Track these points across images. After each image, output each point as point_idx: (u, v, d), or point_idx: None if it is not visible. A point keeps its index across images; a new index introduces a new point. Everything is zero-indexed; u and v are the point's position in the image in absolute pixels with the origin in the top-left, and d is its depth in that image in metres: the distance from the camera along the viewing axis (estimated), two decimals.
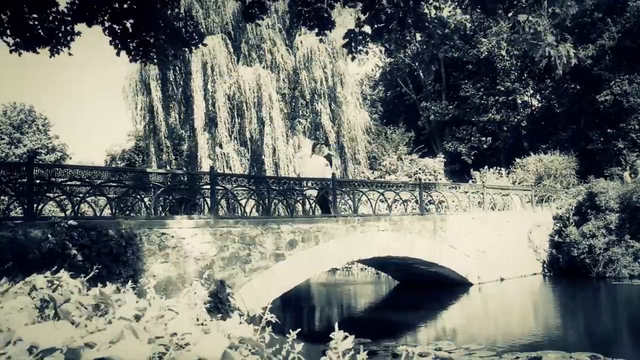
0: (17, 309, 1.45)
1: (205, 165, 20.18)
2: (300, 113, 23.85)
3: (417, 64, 33.18)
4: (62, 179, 8.19)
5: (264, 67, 21.88)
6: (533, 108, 32.54)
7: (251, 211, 11.76)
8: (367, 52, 7.72)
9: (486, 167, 22.78)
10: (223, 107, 21.16)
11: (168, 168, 21.43)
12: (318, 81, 22.47)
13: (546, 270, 16.34)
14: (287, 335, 1.79)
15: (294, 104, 23.78)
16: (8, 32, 6.72)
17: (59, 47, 7.02)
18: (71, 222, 6.98)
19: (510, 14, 6.69)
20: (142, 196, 10.03)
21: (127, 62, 7.84)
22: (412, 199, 14.07)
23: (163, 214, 10.50)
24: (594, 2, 24.56)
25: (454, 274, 13.74)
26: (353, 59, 7.96)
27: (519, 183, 21.36)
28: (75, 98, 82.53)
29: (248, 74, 21.28)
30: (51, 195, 8.71)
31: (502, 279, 14.98)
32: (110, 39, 7.16)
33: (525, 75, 29.06)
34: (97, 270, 2.96)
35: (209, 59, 20.90)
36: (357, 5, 7.52)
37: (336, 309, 14.01)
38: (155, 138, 23.17)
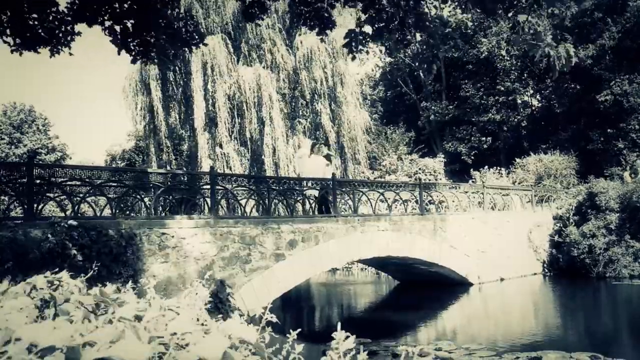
0: (17, 309, 1.45)
1: (205, 165, 20.18)
2: (300, 113, 23.85)
3: (417, 64, 33.22)
4: (62, 179, 8.19)
5: (264, 67, 21.88)
6: (533, 108, 32.54)
7: (251, 211, 11.76)
8: (367, 52, 7.72)
9: (486, 167, 22.78)
10: (223, 107, 21.16)
11: (168, 168, 21.43)
12: (318, 81, 22.47)
13: (546, 270, 16.34)
14: (287, 335, 1.79)
15: (294, 104, 23.78)
16: (8, 32, 6.72)
17: (60, 47, 7.02)
18: (71, 222, 6.98)
19: (510, 14, 6.69)
20: (142, 196, 10.03)
21: (127, 62, 7.83)
22: (412, 199, 14.07)
23: (163, 214, 10.50)
24: (594, 2, 24.57)
25: (454, 274, 13.74)
26: (353, 58, 7.96)
27: (519, 183, 21.36)
28: (75, 98, 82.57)
29: (248, 74, 21.28)
30: (51, 195, 8.72)
31: (502, 279, 14.98)
32: (111, 38, 7.16)
33: (525, 75, 29.06)
34: (97, 270, 2.96)
35: (209, 59, 20.90)
36: (357, 5, 7.52)
37: (336, 309, 14.01)
38: (156, 138, 23.17)
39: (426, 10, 7.54)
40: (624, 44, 24.00)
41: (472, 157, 28.73)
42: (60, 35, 6.96)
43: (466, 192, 15.61)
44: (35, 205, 7.53)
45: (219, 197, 10.51)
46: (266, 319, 1.92)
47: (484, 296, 13.63)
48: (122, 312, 1.60)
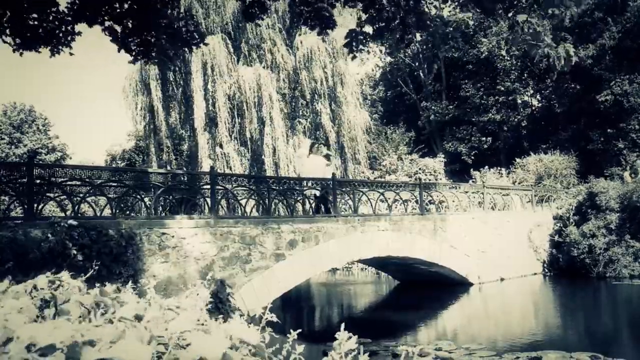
0: (17, 309, 1.45)
1: (205, 165, 20.18)
2: (301, 113, 23.85)
3: (417, 64, 33.25)
4: (62, 179, 8.19)
5: (264, 67, 21.87)
6: (533, 108, 32.53)
7: (251, 211, 11.76)
8: (368, 52, 7.75)
9: (486, 167, 22.79)
10: (223, 107, 21.16)
11: (168, 168, 21.43)
12: (318, 81, 22.47)
13: (546, 270, 16.34)
14: (288, 335, 1.79)
15: (294, 104, 23.78)
16: (7, 31, 6.73)
17: (60, 47, 7.03)
18: (71, 221, 6.98)
19: (510, 14, 6.69)
20: (142, 196, 10.03)
21: (127, 62, 7.82)
22: (412, 198, 14.07)
23: (163, 214, 10.51)
24: (594, 2, 24.55)
25: (454, 274, 13.75)
26: (354, 58, 7.96)
27: (519, 183, 21.36)
28: (75, 98, 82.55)
29: (248, 73, 21.28)
30: (51, 195, 8.72)
31: (502, 279, 14.98)
32: (111, 38, 7.16)
33: (525, 75, 29.06)
34: (97, 270, 2.97)
35: (209, 59, 20.90)
36: (358, 4, 7.52)
37: (336, 309, 14.01)
38: (156, 138, 23.17)
39: (426, 9, 7.53)
40: (624, 44, 23.99)
41: (472, 157, 28.73)
42: (61, 35, 6.97)
43: (466, 192, 15.61)
44: (35, 205, 7.53)
45: (219, 197, 10.51)
46: (266, 319, 1.92)
47: (484, 296, 13.63)
48: (122, 312, 1.60)
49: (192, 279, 8.16)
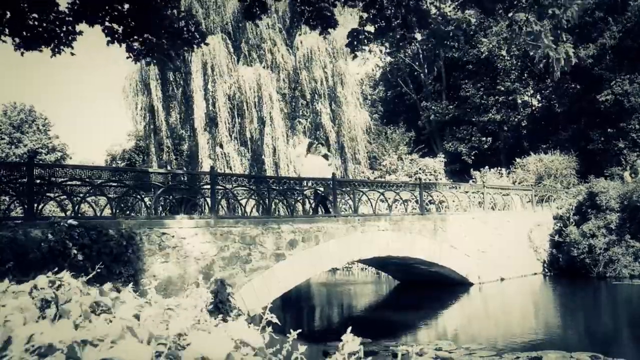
0: (18, 309, 1.45)
1: (205, 165, 20.18)
2: (301, 113, 23.85)
3: (417, 64, 33.24)
4: (62, 179, 8.20)
5: (264, 67, 21.87)
6: (533, 108, 32.53)
7: (251, 211, 11.76)
8: (370, 51, 7.78)
9: (486, 167, 22.79)
10: (223, 107, 21.16)
11: (168, 168, 21.43)
12: (318, 81, 22.47)
13: (546, 270, 16.33)
14: (287, 335, 1.79)
15: (294, 103, 23.78)
16: (7, 31, 6.73)
17: (61, 47, 7.03)
18: (71, 221, 6.98)
19: (510, 14, 6.69)
20: (143, 196, 10.04)
21: (127, 62, 7.84)
22: (413, 198, 14.07)
23: (163, 214, 10.51)
24: (595, 1, 24.54)
25: (455, 274, 13.74)
26: (355, 57, 7.97)
27: (519, 183, 21.36)
28: (75, 98, 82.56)
29: (248, 73, 21.28)
30: (51, 195, 8.73)
31: (502, 279, 14.98)
32: (109, 39, 7.16)
33: (525, 75, 29.06)
34: (97, 270, 2.96)
35: (209, 59, 20.90)
36: (358, 4, 7.53)
37: (336, 309, 14.01)
38: (156, 138, 23.18)
39: (427, 8, 7.54)
40: (624, 44, 23.98)
41: (473, 157, 28.73)
42: (62, 35, 6.97)
43: (466, 192, 15.61)
44: (35, 205, 7.53)
45: (219, 197, 10.51)
46: (266, 318, 1.93)
47: (484, 296, 13.63)
48: (123, 312, 1.60)
49: (192, 279, 8.16)
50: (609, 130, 24.00)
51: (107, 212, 9.46)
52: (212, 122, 21.71)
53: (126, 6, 7.08)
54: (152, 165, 22.26)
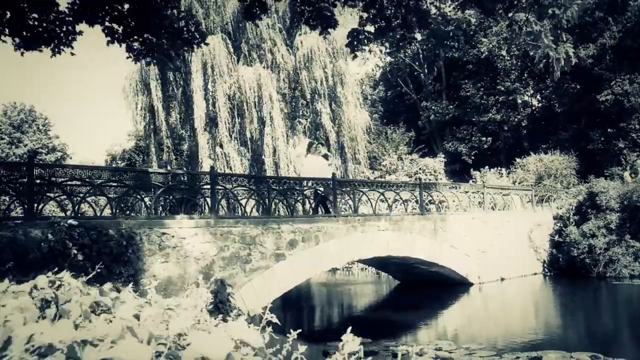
0: (18, 309, 1.45)
1: (205, 165, 20.18)
2: (301, 113, 23.85)
3: (417, 64, 33.24)
4: (62, 179, 8.20)
5: (264, 67, 21.87)
6: (533, 108, 32.53)
7: (251, 211, 11.75)
8: (370, 51, 7.79)
9: (486, 167, 22.79)
10: (223, 107, 21.16)
11: (168, 168, 21.42)
12: (318, 81, 22.47)
13: (546, 270, 16.33)
14: (287, 335, 1.79)
15: (294, 103, 23.78)
16: (7, 31, 6.73)
17: (61, 46, 7.03)
18: (71, 221, 6.98)
19: (510, 14, 6.69)
20: (143, 196, 10.04)
21: (127, 62, 7.85)
22: (413, 198, 14.07)
23: (163, 214, 10.51)
24: (595, 1, 24.54)
25: (455, 274, 13.74)
26: (355, 57, 7.97)
27: (519, 183, 21.36)
28: (75, 98, 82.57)
29: (248, 73, 21.27)
30: (51, 195, 8.73)
31: (502, 279, 14.98)
32: (109, 39, 7.16)
33: (525, 75, 29.06)
34: (97, 270, 2.96)
35: (209, 59, 20.89)
36: (358, 4, 7.53)
37: (336, 309, 14.01)
38: (156, 138, 23.18)
39: (427, 8, 7.54)
40: (624, 44, 23.98)
41: (473, 157, 28.73)
42: (62, 35, 6.97)
43: (466, 192, 15.61)
44: (35, 205, 7.53)
45: (219, 197, 10.51)
46: (266, 318, 1.93)
47: (484, 296, 13.63)
48: (123, 312, 1.60)
49: (192, 279, 8.16)
50: (609, 130, 24.00)
51: (107, 212, 9.46)
52: (212, 122, 21.71)
53: (126, 6, 7.08)
54: (152, 165, 22.26)
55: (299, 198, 11.63)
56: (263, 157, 21.39)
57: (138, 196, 10.30)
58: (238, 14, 21.25)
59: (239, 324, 1.58)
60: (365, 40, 7.55)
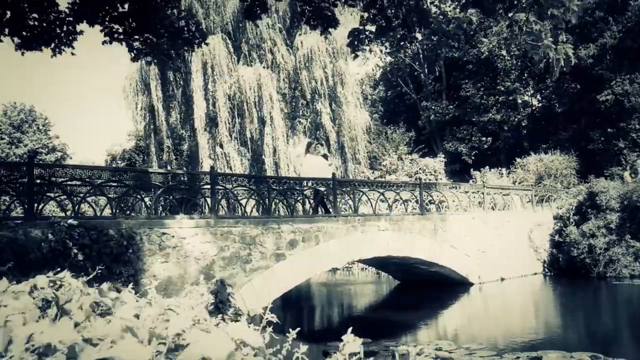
0: (19, 309, 1.45)
1: (205, 165, 20.19)
2: (301, 113, 23.85)
3: (417, 63, 33.24)
4: (62, 179, 8.20)
5: (264, 67, 21.88)
6: (533, 108, 32.52)
7: (251, 211, 11.75)
8: (370, 51, 7.80)
9: (487, 167, 22.79)
10: (223, 107, 21.16)
11: (168, 168, 21.42)
12: (318, 81, 22.47)
13: (547, 270, 16.33)
14: (287, 335, 1.79)
15: (294, 103, 23.78)
16: (7, 31, 6.73)
17: (62, 46, 7.03)
18: (71, 221, 6.98)
19: (510, 14, 6.69)
20: (143, 196, 10.04)
21: (127, 62, 7.85)
22: (413, 198, 14.07)
23: (163, 214, 10.51)
24: (595, 1, 24.53)
25: (455, 274, 13.74)
26: (356, 57, 7.97)
27: (519, 183, 21.36)
28: (75, 98, 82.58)
29: (248, 73, 21.28)
30: (52, 195, 8.73)
31: (502, 279, 14.98)
32: (107, 38, 7.16)
33: (525, 75, 29.05)
34: (98, 270, 2.96)
35: (209, 59, 20.90)
36: (358, 4, 7.53)
37: (336, 309, 14.01)
38: (156, 138, 23.18)
39: (427, 8, 7.55)
40: (625, 44, 23.97)
41: (473, 157, 28.72)
42: (62, 35, 6.97)
43: (466, 192, 15.61)
44: (35, 205, 7.53)
45: (220, 197, 10.51)
46: (266, 318, 1.93)
47: (484, 296, 13.63)
48: (123, 312, 1.60)
49: (193, 279, 8.17)
50: (609, 130, 24.00)
51: (107, 212, 9.46)
52: (212, 122, 21.72)
53: (126, 6, 7.08)
54: (152, 165, 22.26)
55: (299, 198, 11.63)
56: (263, 157, 21.40)
57: (138, 196, 10.30)
58: (238, 13, 21.25)
59: (239, 324, 1.58)
60: (366, 40, 7.56)
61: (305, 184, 11.29)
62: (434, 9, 8.39)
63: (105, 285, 1.96)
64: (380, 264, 15.73)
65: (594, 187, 15.75)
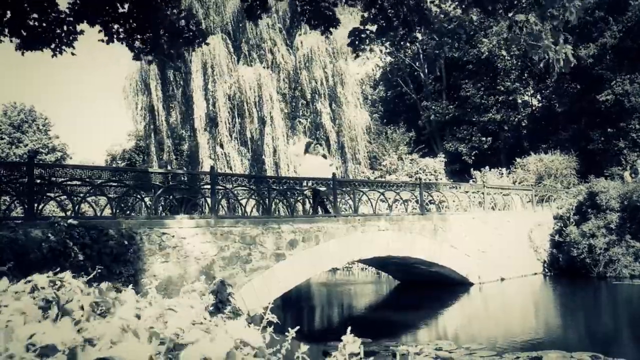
0: (20, 310, 1.45)
1: (206, 165, 20.19)
2: (301, 113, 23.85)
3: (417, 63, 33.23)
4: (62, 179, 8.20)
5: (264, 67, 21.88)
6: (533, 108, 32.52)
7: (252, 211, 11.75)
8: (371, 50, 7.81)
9: (487, 167, 22.78)
10: (223, 107, 21.16)
11: (169, 168, 21.42)
12: (318, 81, 22.47)
13: (547, 270, 16.33)
14: (287, 334, 1.79)
15: (294, 103, 23.78)
16: (7, 31, 6.73)
17: (62, 46, 7.03)
18: (71, 221, 6.99)
19: (510, 14, 6.69)
20: (143, 196, 10.04)
21: (127, 62, 7.85)
22: (413, 198, 14.07)
23: (163, 214, 10.51)
24: (595, 1, 24.53)
25: (455, 274, 13.74)
26: (357, 57, 7.97)
27: (519, 183, 21.35)
28: (75, 98, 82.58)
29: (248, 73, 21.28)
30: (52, 195, 8.73)
31: (502, 279, 14.98)
32: (107, 38, 7.16)
33: (525, 75, 29.05)
34: (98, 270, 2.97)
35: (209, 59, 20.90)
36: (359, 4, 7.53)
37: (336, 309, 14.02)
38: (156, 138, 23.18)
39: (428, 7, 7.55)
40: (625, 44, 23.97)
41: (473, 157, 28.72)
42: (62, 35, 6.97)
43: (467, 192, 15.61)
44: (35, 205, 7.54)
45: (220, 197, 10.51)
46: (266, 318, 1.93)
47: (484, 296, 13.63)
48: (123, 312, 1.60)
49: (193, 278, 8.16)
50: (609, 130, 24.00)
51: (107, 212, 9.47)
52: (212, 122, 21.72)
53: (126, 6, 7.08)
54: (152, 165, 22.26)
55: (299, 198, 11.63)
56: (263, 157, 21.40)
57: (138, 196, 10.30)
58: (238, 13, 21.26)
59: (239, 324, 1.58)
60: (367, 40, 7.56)
61: (305, 184, 11.29)
62: (434, 9, 8.39)
63: (105, 285, 1.96)
64: (380, 264, 15.73)
65: (594, 187, 15.75)
